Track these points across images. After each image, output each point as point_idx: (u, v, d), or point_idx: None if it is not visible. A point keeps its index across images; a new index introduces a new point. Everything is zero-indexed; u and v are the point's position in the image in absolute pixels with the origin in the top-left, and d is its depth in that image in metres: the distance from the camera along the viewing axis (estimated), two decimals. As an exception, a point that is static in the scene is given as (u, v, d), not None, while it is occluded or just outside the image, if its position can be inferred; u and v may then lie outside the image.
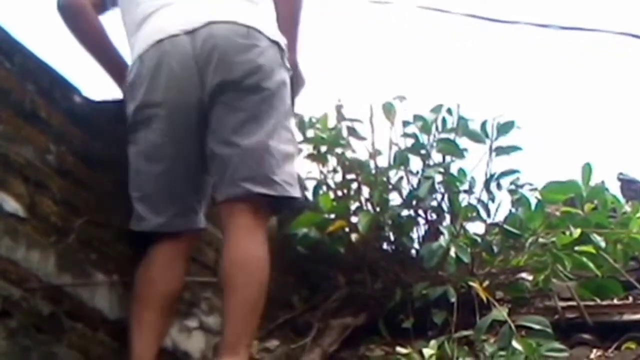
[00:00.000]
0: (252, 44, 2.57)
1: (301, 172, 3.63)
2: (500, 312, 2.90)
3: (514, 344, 2.73)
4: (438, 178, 3.55)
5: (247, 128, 2.54)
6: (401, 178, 3.63)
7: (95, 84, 2.79)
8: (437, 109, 3.62)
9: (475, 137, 3.54)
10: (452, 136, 3.57)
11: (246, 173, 2.51)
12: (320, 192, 3.70)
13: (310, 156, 3.60)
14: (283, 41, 2.68)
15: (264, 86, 2.57)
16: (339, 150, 3.66)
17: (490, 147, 3.49)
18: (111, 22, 2.82)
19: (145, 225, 2.61)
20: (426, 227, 3.65)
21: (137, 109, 2.59)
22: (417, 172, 3.61)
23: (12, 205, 2.30)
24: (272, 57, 2.62)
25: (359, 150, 3.68)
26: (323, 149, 3.64)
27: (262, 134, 2.55)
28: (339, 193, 3.66)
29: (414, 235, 3.66)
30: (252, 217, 2.52)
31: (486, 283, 3.30)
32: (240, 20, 2.59)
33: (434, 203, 3.61)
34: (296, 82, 2.82)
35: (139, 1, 2.71)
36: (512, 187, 3.49)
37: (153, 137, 2.58)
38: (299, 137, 3.55)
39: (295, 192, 2.61)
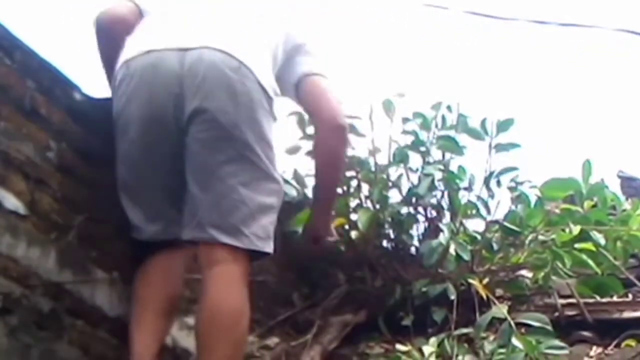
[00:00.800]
0: (240, 80, 2.51)
1: (301, 169, 3.63)
2: (500, 310, 2.90)
3: (514, 341, 2.73)
4: (438, 175, 3.54)
5: (225, 172, 2.47)
6: (401, 175, 3.63)
7: (96, 82, 2.79)
8: (436, 106, 3.62)
9: (475, 135, 3.54)
10: (451, 133, 3.57)
11: (214, 219, 2.45)
12: (320, 189, 3.69)
13: (309, 153, 3.60)
14: (272, 88, 2.61)
15: (245, 130, 2.49)
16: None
17: (490, 144, 3.49)
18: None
19: (141, 233, 2.60)
20: (426, 224, 3.64)
21: (117, 115, 2.58)
22: (417, 170, 3.61)
23: (12, 202, 2.31)
24: (257, 100, 2.54)
25: (359, 148, 3.67)
26: (322, 146, 3.63)
27: (239, 181, 2.47)
28: (339, 190, 3.66)
29: (414, 232, 3.66)
30: (231, 266, 2.44)
31: (486, 280, 3.30)
32: (235, 54, 2.54)
33: (434, 200, 3.61)
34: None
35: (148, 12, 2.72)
36: (512, 184, 3.49)
37: (128, 146, 2.56)
38: (299, 133, 3.55)
39: (266, 248, 2.51)
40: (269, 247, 2.53)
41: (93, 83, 2.77)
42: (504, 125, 3.48)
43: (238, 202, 2.47)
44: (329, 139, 2.81)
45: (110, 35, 2.72)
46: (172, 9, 2.72)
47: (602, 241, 3.35)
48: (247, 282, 2.47)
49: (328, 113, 2.79)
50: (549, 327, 2.83)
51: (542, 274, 3.25)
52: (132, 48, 2.60)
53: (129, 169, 2.58)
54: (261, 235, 2.50)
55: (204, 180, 2.48)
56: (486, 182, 3.50)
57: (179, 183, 2.55)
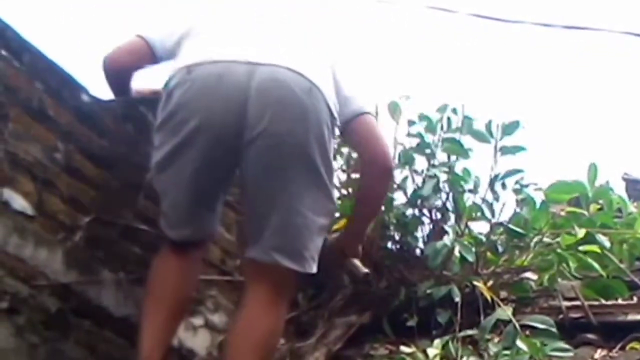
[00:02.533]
0: (311, 103, 2.46)
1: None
2: (504, 312, 2.91)
3: (519, 343, 2.74)
4: (443, 177, 3.55)
5: (291, 196, 2.45)
6: (406, 177, 3.64)
7: (103, 84, 2.80)
8: (442, 109, 3.63)
9: (480, 137, 3.54)
10: (457, 136, 3.58)
11: (279, 243, 2.47)
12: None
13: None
14: (335, 107, 2.58)
15: (312, 153, 2.46)
16: (344, 149, 3.66)
17: (495, 146, 3.49)
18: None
19: (171, 232, 2.59)
20: (431, 226, 3.65)
21: (165, 118, 2.50)
22: (422, 172, 3.62)
23: (20, 203, 2.32)
24: (324, 122, 2.50)
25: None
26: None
27: (304, 204, 2.47)
28: (344, 192, 3.67)
29: (419, 234, 3.66)
30: (282, 284, 2.52)
31: (490, 282, 3.31)
32: (306, 74, 2.49)
33: (439, 202, 3.61)
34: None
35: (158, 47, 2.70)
36: (517, 186, 3.49)
37: (172, 150, 2.48)
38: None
39: (314, 269, 2.57)
40: (315, 269, 2.57)
41: (101, 85, 2.78)
42: (509, 128, 3.48)
43: (302, 227, 2.48)
44: (377, 181, 2.79)
45: (116, 76, 2.74)
46: (231, 19, 2.70)
47: (607, 244, 3.34)
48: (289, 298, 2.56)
49: (380, 156, 2.75)
50: (554, 330, 2.83)
51: (547, 275, 3.25)
52: (195, 54, 2.54)
53: (168, 171, 2.52)
54: (314, 256, 2.55)
55: (270, 203, 2.47)
56: (491, 184, 3.50)
57: (219, 188, 2.59)
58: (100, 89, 2.72)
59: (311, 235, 2.52)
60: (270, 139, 2.42)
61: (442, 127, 3.60)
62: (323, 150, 2.50)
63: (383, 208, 3.53)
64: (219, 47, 2.54)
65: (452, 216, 3.61)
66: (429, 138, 3.62)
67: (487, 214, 3.50)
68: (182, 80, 2.47)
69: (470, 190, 3.57)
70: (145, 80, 2.87)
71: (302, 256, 2.50)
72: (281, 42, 2.61)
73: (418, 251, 3.66)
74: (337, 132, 2.63)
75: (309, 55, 2.61)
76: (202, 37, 2.63)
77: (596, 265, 3.26)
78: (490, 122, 3.52)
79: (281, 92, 2.43)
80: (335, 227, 3.50)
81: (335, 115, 2.58)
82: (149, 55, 2.71)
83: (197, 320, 2.94)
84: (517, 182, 3.50)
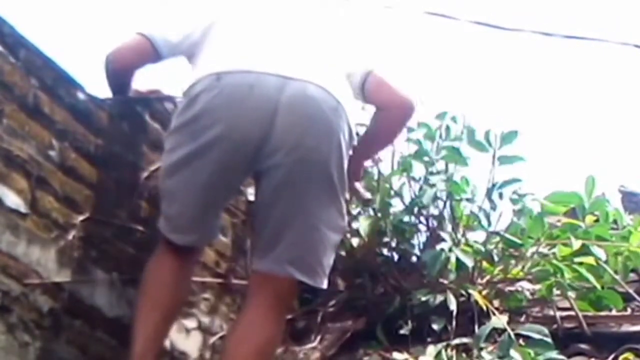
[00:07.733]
0: (336, 121, 2.49)
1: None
2: (499, 321, 2.90)
3: (512, 352, 2.73)
4: (441, 185, 3.53)
5: (309, 211, 2.49)
6: (403, 184, 3.62)
7: (100, 81, 2.79)
8: (441, 116, 3.61)
9: (479, 147, 3.52)
10: (456, 144, 3.56)
11: (294, 256, 2.50)
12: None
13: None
14: (354, 127, 2.62)
15: (332, 171, 2.49)
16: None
17: (494, 156, 3.48)
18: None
19: (179, 239, 2.58)
20: (427, 234, 3.63)
21: (184, 122, 2.51)
22: (420, 179, 3.60)
23: (13, 200, 2.31)
24: (345, 141, 2.53)
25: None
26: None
27: (320, 219, 2.51)
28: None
29: (415, 242, 3.65)
30: (280, 299, 2.55)
31: (486, 291, 3.30)
32: (334, 92, 2.51)
33: (436, 210, 3.60)
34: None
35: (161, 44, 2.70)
36: (514, 196, 3.48)
37: (186, 156, 2.49)
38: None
39: (325, 284, 2.60)
40: (325, 284, 2.61)
41: (97, 83, 2.77)
42: (508, 138, 3.47)
43: (318, 242, 2.52)
44: (398, 119, 2.80)
45: (118, 75, 2.76)
46: (257, 23, 2.68)
47: (603, 256, 3.33)
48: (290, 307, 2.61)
49: (402, 99, 2.74)
50: (549, 340, 2.82)
51: (546, 285, 3.23)
52: (223, 60, 2.54)
53: (180, 175, 2.51)
54: (326, 272, 2.58)
55: (288, 216, 2.49)
56: (488, 193, 3.49)
57: (229, 196, 2.70)
58: (97, 87, 2.72)
59: (325, 250, 2.54)
60: (297, 154, 2.45)
61: (440, 135, 3.58)
62: (340, 168, 2.53)
63: (380, 214, 3.52)
64: (249, 55, 2.54)
65: (449, 224, 3.59)
66: (427, 145, 3.60)
67: (484, 222, 3.49)
68: (210, 86, 2.47)
69: (467, 199, 3.55)
70: (143, 79, 2.87)
71: (315, 271, 2.53)
72: (310, 54, 2.61)
73: (414, 258, 3.64)
74: (351, 151, 2.63)
75: (334, 69, 2.62)
76: (227, 41, 2.62)
77: (591, 277, 3.24)
78: (488, 131, 3.50)
79: (310, 109, 2.46)
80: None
81: (354, 135, 2.61)
82: (152, 53, 2.72)
83: (190, 323, 2.93)
84: (514, 192, 3.48)
